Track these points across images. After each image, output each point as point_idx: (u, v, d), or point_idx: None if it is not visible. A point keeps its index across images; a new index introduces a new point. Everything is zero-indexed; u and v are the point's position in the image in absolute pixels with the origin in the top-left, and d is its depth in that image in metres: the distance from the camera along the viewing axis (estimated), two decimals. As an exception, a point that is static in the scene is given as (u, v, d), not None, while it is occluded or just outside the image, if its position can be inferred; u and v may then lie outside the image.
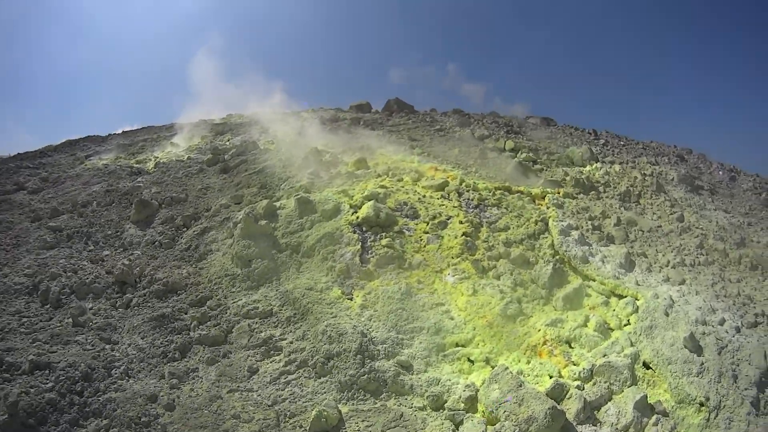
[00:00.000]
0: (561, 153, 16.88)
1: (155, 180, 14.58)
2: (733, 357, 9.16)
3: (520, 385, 7.32)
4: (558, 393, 7.70)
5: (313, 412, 6.97)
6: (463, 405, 7.44)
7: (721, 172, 21.09)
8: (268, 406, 7.41)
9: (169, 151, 17.09)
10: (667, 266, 11.89)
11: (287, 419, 7.20)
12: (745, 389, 8.58)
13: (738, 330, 9.99)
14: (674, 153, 20.39)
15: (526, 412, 6.93)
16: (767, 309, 11.25)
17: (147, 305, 9.33)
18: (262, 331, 8.77)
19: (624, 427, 7.49)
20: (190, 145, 17.30)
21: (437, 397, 7.54)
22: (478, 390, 7.60)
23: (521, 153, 15.51)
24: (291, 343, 8.57)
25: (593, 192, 14.18)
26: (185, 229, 12.09)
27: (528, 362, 8.41)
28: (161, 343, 8.45)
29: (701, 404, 8.15)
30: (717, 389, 8.43)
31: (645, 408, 7.78)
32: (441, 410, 7.43)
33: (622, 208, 13.87)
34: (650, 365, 8.64)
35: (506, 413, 7.05)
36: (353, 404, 7.50)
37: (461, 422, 7.17)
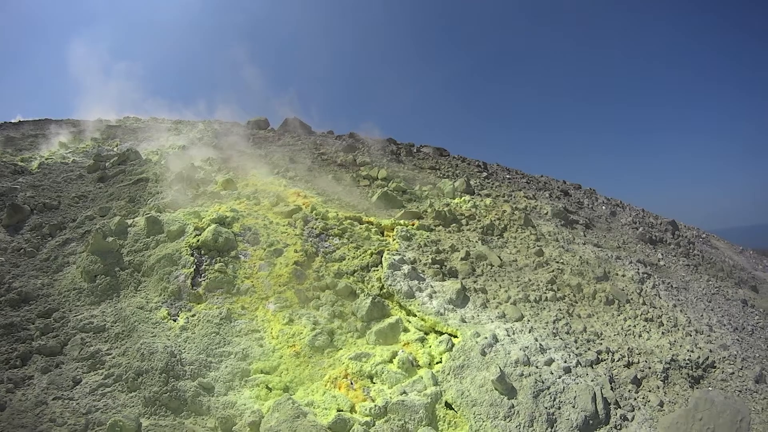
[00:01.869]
0: (435, 185, 17.79)
1: (34, 183, 14.83)
2: (553, 400, 9.06)
3: (298, 416, 7.67)
4: (341, 427, 7.84)
5: (110, 421, 7.43)
6: (248, 430, 7.89)
7: (604, 207, 22.18)
8: (82, 414, 8.04)
9: (55, 151, 17.30)
10: (506, 302, 11.89)
11: (95, 426, 7.76)
12: None
13: (567, 371, 9.90)
14: (559, 188, 21.11)
15: None
16: (614, 346, 11.27)
17: (1, 314, 9.87)
18: (92, 345, 9.27)
19: None
20: (77, 147, 17.62)
21: (227, 419, 8.01)
22: (262, 417, 8.08)
23: (392, 183, 16.25)
24: (113, 358, 9.08)
25: (454, 225, 14.52)
26: (50, 238, 12.62)
27: (323, 394, 8.75)
28: (5, 351, 8.93)
29: None
30: None
31: None
32: (228, 432, 7.95)
33: (479, 242, 14.21)
34: (453, 406, 8.68)
35: None
36: (155, 419, 8.04)
37: None
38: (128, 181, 14.77)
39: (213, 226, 11.84)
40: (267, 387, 8.94)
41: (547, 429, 8.45)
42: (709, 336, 13.30)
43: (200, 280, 10.81)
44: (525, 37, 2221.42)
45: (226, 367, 9.18)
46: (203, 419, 8.24)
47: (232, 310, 10.24)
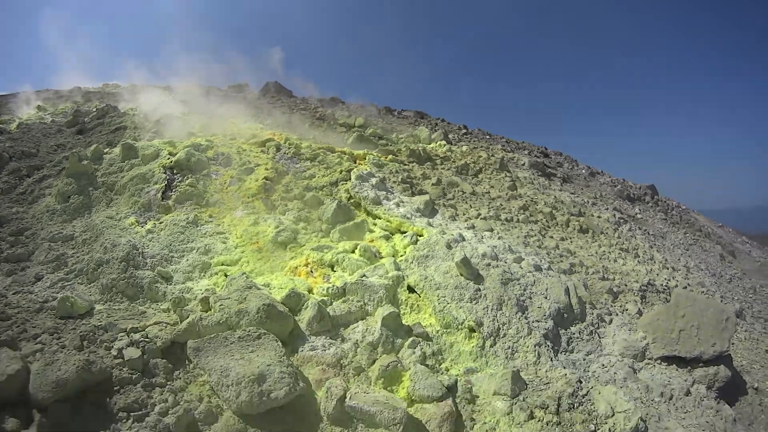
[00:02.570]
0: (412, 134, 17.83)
1: (13, 137, 15.14)
2: (523, 290, 8.77)
3: (249, 287, 7.56)
4: (294, 302, 7.69)
5: (59, 296, 7.48)
6: (199, 306, 7.71)
7: (584, 170, 22.13)
8: (39, 302, 8.17)
9: (34, 113, 17.61)
10: (476, 218, 11.68)
11: (49, 310, 7.94)
12: (536, 321, 8.20)
13: (538, 269, 9.64)
14: (539, 150, 21.35)
15: (241, 306, 7.12)
16: (588, 262, 11.07)
17: None
18: (58, 250, 9.48)
19: (370, 344, 7.26)
20: (56, 109, 17.86)
21: (180, 300, 7.95)
22: (215, 294, 7.89)
23: (369, 129, 16.36)
24: (77, 257, 9.34)
25: (428, 163, 14.38)
26: (28, 178, 12.79)
27: (281, 279, 8.67)
28: None
29: (471, 330, 7.73)
30: (495, 316, 7.97)
31: (397, 327, 7.52)
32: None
33: (453, 175, 14.06)
34: (415, 289, 8.44)
35: (221, 307, 7.21)
36: (110, 305, 8.17)
37: (186, 317, 7.34)
38: (107, 131, 14.91)
39: (187, 148, 11.97)
40: (225, 275, 8.89)
41: (517, 313, 8.20)
42: (686, 275, 13.29)
43: (170, 194, 10.89)
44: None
45: (187, 260, 9.20)
46: (158, 305, 8.23)
47: (199, 216, 10.29)
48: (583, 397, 6.93)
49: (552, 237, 12.04)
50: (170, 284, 8.66)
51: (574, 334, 8.53)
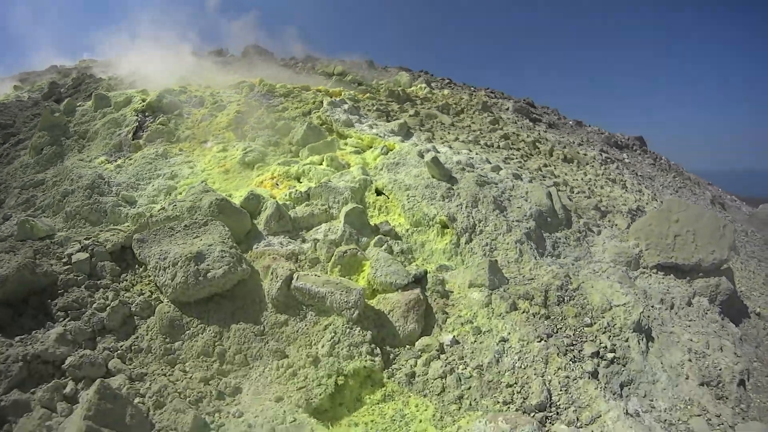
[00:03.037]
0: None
1: (-10, 114, 15.00)
2: (501, 193, 8.33)
3: (207, 191, 7.17)
4: (253, 205, 7.30)
5: (19, 220, 7.28)
6: (157, 216, 7.16)
7: (570, 122, 21.31)
8: (5, 236, 7.94)
9: (10, 93, 17.47)
10: (454, 141, 11.16)
11: (11, 239, 7.72)
12: (516, 221, 7.69)
13: (518, 177, 9.16)
14: (525, 101, 20.61)
15: (193, 204, 6.85)
16: (573, 184, 10.56)
17: None
18: (29, 194, 9.32)
19: (332, 242, 6.72)
20: (33, 86, 17.70)
21: (140, 215, 7.49)
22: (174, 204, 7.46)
23: (348, 76, 16.07)
24: (46, 196, 9.17)
25: (408, 103, 13.82)
26: (4, 144, 12.64)
27: (243, 191, 8.30)
28: None
29: (444, 226, 7.28)
30: (470, 213, 7.47)
31: (362, 225, 7.07)
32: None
33: (433, 110, 13.46)
34: (384, 191, 8.02)
35: (174, 206, 6.92)
36: (73, 231, 7.99)
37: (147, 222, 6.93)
38: (83, 96, 14.70)
39: (160, 92, 11.74)
40: (191, 194, 8.66)
41: (494, 211, 7.67)
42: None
43: (141, 134, 10.65)
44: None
45: (153, 186, 8.94)
46: (119, 226, 7.96)
47: (169, 150, 10.05)
48: (575, 291, 6.37)
49: (534, 162, 11.45)
50: (133, 207, 8.39)
51: (560, 239, 8.01)
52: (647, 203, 11.29)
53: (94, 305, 5.69)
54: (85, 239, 6.90)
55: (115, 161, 9.92)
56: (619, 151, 19.00)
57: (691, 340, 6.27)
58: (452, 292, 6.25)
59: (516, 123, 15.62)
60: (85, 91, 14.99)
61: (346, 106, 11.33)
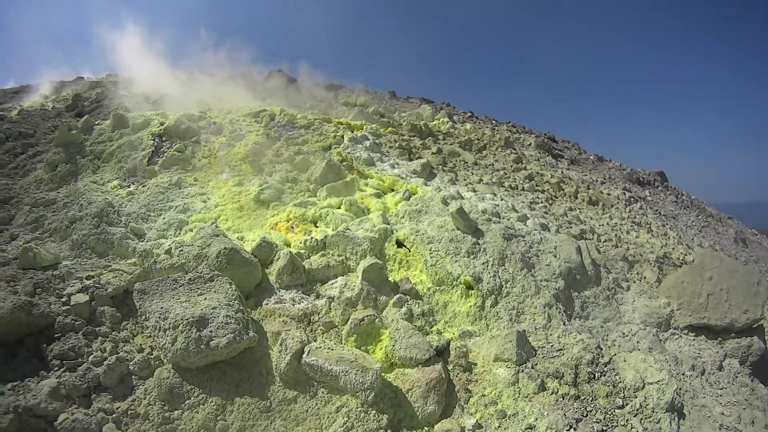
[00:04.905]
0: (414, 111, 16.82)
1: (12, 121, 14.49)
2: (529, 247, 7.66)
3: (217, 235, 6.52)
4: (265, 253, 6.63)
5: (22, 247, 6.70)
6: (164, 256, 6.68)
7: (591, 157, 20.85)
8: (9, 258, 7.36)
9: (35, 100, 17.00)
10: (478, 183, 10.57)
11: (14, 264, 7.14)
12: (545, 280, 7.09)
13: (545, 228, 8.50)
14: (546, 135, 20.25)
15: (200, 251, 6.19)
16: (600, 230, 9.97)
17: None
18: (38, 213, 8.74)
19: (348, 300, 6.02)
20: (58, 96, 17.23)
21: (147, 253, 6.94)
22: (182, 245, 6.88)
23: (370, 107, 15.47)
24: (55, 218, 8.58)
25: (430, 138, 13.27)
26: (22, 154, 12.10)
27: (257, 234, 7.63)
28: None
29: (469, 287, 6.60)
30: (496, 273, 6.79)
31: (381, 282, 6.35)
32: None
33: (455, 147, 12.87)
34: (405, 243, 7.29)
35: (181, 252, 6.29)
36: (79, 261, 7.37)
37: (151, 268, 6.33)
38: (105, 112, 14.18)
39: (178, 116, 11.17)
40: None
41: (522, 270, 6.95)
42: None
43: (157, 159, 10.06)
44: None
45: (163, 218, 8.32)
46: (126, 261, 7.23)
47: (183, 179, 9.44)
48: (606, 366, 5.77)
49: (560, 206, 10.81)
50: (142, 241, 7.76)
51: (588, 298, 7.31)
52: (673, 248, 10.57)
53: (91, 357, 5.09)
54: (87, 278, 6.28)
55: (128, 186, 9.33)
56: (641, 188, 18.50)
57: (723, 414, 5.73)
58: (476, 364, 5.58)
59: (539, 160, 15.10)
60: (107, 107, 14.47)
61: (367, 143, 10.72)
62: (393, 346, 5.37)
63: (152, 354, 5.22)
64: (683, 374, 6.26)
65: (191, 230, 7.94)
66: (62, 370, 4.90)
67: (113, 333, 5.49)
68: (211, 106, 13.27)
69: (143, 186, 9.27)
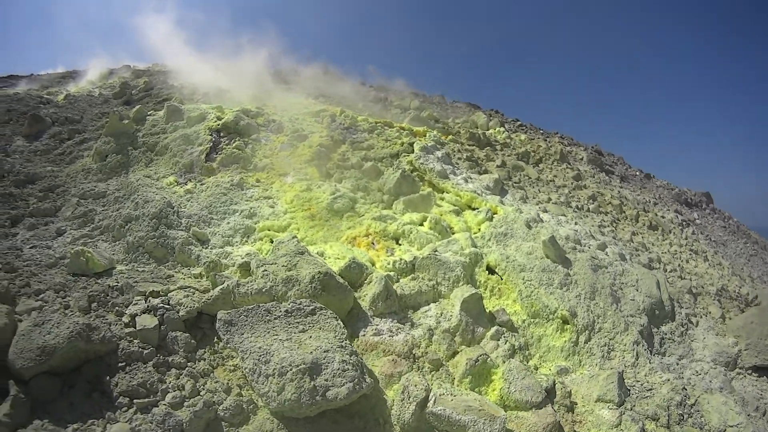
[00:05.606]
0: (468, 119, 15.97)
1: (58, 106, 13.70)
2: (613, 279, 7.43)
3: (301, 253, 5.75)
4: (355, 275, 5.95)
5: (73, 251, 5.93)
6: (238, 274, 6.08)
7: (637, 172, 20.23)
8: (55, 257, 6.53)
9: (82, 86, 16.18)
10: (547, 202, 10.34)
11: (62, 266, 6.25)
12: (631, 315, 6.86)
13: (623, 258, 8.38)
14: (592, 147, 19.55)
15: (290, 274, 5.33)
16: (665, 258, 9.97)
17: (2, 190, 8.53)
18: (87, 206, 7.90)
19: (446, 331, 5.54)
20: (105, 83, 16.41)
21: (215, 264, 6.27)
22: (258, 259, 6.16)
23: (425, 111, 14.62)
24: (106, 214, 7.73)
25: (488, 148, 12.70)
26: (68, 140, 11.30)
27: (337, 249, 6.92)
28: None
29: (564, 321, 6.28)
30: (589, 307, 6.52)
31: (479, 313, 5.86)
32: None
33: (515, 161, 12.50)
34: (496, 270, 6.81)
35: (265, 273, 5.43)
36: (133, 266, 6.46)
37: (221, 283, 5.60)
38: (153, 101, 13.34)
39: (237, 111, 10.23)
40: (271, 241, 7.10)
41: (612, 305, 6.67)
42: (752, 285, 11.61)
43: (215, 156, 9.16)
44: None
45: (228, 223, 7.44)
46: (189, 270, 6.46)
47: (245, 180, 8.53)
48: (692, 407, 5.71)
49: (624, 229, 10.68)
50: (206, 248, 6.90)
51: (666, 334, 7.16)
52: (728, 280, 10.52)
53: (168, 397, 4.14)
54: (152, 295, 5.36)
55: (185, 184, 8.43)
56: (689, 209, 18.01)
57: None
58: (576, 403, 5.26)
59: (594, 177, 14.68)
60: (156, 96, 13.64)
61: (439, 154, 9.87)
62: (508, 388, 4.96)
63: (242, 396, 4.28)
64: (749, 415, 6.10)
65: (260, 239, 7.11)
66: (133, 411, 3.96)
67: (189, 364, 4.57)
68: (265, 101, 12.37)
69: (201, 184, 8.38)
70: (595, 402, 5.29)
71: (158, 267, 6.51)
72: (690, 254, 11.24)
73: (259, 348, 4.29)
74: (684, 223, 14.20)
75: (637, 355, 6.22)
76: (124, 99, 13.94)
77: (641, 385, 5.87)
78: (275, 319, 4.66)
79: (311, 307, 4.80)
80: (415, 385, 4.38)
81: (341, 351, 4.38)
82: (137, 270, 6.35)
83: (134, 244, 6.65)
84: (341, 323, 4.83)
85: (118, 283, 5.73)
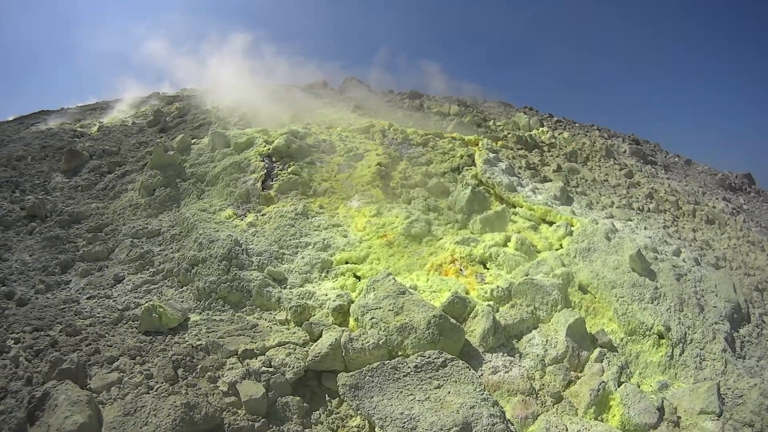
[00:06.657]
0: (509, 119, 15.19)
1: (93, 138, 13.04)
2: (695, 286, 7.18)
3: (403, 293, 5.16)
4: (459, 310, 5.45)
5: (145, 305, 5.25)
6: (332, 318, 5.42)
7: (676, 158, 19.54)
8: (117, 309, 5.78)
9: (114, 117, 15.52)
10: (611, 207, 9.95)
11: (129, 321, 5.54)
12: (716, 323, 6.63)
13: (697, 262, 8.04)
14: (629, 137, 18.84)
15: (402, 320, 4.77)
16: (728, 255, 9.63)
17: (47, 232, 7.87)
18: (142, 247, 7.17)
19: (555, 359, 5.29)
20: (137, 112, 15.73)
21: (303, 309, 5.56)
22: (352, 302, 5.59)
23: (466, 116, 13.77)
24: (166, 256, 6.98)
25: (536, 150, 12.05)
26: (110, 174, 10.60)
27: (427, 281, 6.26)
28: (45, 260, 6.97)
29: (660, 336, 6.08)
30: (680, 320, 6.35)
31: (583, 337, 5.62)
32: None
33: (566, 162, 11.95)
34: (588, 289, 6.46)
35: (374, 321, 4.83)
36: (209, 314, 5.73)
37: (320, 334, 4.99)
38: (190, 127, 12.62)
39: (286, 134, 9.46)
40: (355, 276, 6.41)
41: (699, 315, 6.55)
42: None
43: (271, 183, 8.39)
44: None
45: (303, 258, 6.70)
46: (272, 314, 5.78)
47: (309, 208, 7.75)
48: None
49: (685, 227, 10.34)
50: (284, 287, 6.16)
51: (744, 337, 6.88)
52: None
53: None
54: (247, 355, 4.58)
55: (245, 216, 7.68)
56: (734, 194, 17.16)
57: None
58: (680, 417, 5.11)
59: (641, 171, 13.97)
60: (192, 122, 12.92)
61: (503, 166, 9.15)
62: (628, 413, 4.82)
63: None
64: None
65: (342, 273, 6.41)
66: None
67: (306, 431, 3.78)
68: (305, 119, 11.62)
69: (262, 215, 7.63)
70: (698, 414, 5.16)
71: (236, 314, 5.78)
72: (749, 247, 10.79)
73: (401, 414, 3.70)
74: (734, 211, 13.58)
75: (725, 362, 5.99)
76: (159, 127, 13.24)
77: (732, 392, 5.73)
78: (405, 376, 4.04)
79: (441, 359, 4.20)
80: (556, 426, 4.13)
81: (486, 404, 3.86)
82: (214, 320, 5.61)
83: (206, 290, 5.90)
84: (476, 375, 4.21)
85: (200, 341, 4.99)
